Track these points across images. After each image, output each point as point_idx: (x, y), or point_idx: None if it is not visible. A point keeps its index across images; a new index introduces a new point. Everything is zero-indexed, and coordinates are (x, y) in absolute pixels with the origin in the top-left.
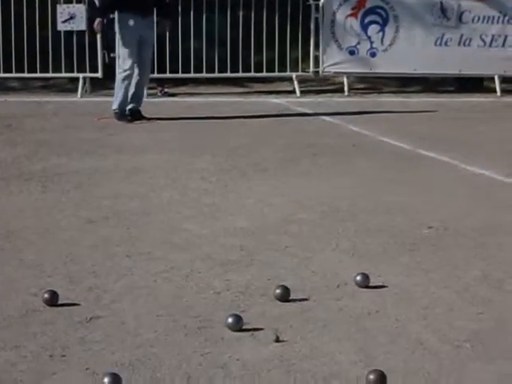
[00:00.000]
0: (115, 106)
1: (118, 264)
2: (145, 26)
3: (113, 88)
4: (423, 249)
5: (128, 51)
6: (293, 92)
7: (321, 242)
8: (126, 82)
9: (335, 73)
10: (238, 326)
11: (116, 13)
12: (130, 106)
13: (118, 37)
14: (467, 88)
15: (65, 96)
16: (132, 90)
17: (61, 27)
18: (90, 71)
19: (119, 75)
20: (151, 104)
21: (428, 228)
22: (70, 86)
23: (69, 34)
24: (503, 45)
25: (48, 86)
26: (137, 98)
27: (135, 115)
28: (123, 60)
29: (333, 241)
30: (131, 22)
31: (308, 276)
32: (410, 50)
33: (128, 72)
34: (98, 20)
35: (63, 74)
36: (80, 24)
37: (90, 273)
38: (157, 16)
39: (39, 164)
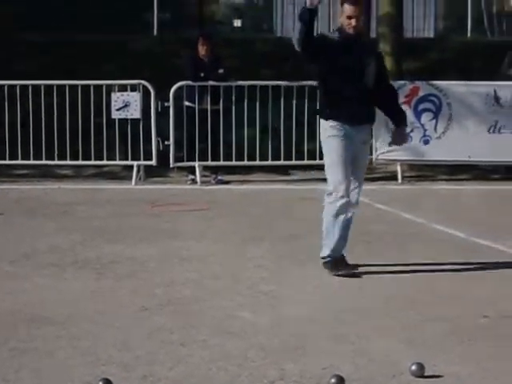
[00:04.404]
0: (327, 253)
1: (173, 352)
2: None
3: (167, 176)
4: (479, 338)
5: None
6: None
7: (378, 331)
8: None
9: (388, 160)
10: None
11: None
12: (337, 254)
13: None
14: None
15: (119, 183)
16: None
17: (115, 115)
18: (144, 159)
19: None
20: (205, 192)
21: (484, 317)
22: (123, 174)
23: (123, 121)
24: None
25: (101, 174)
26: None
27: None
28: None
29: (390, 330)
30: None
31: (364, 365)
32: (463, 137)
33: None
34: None
35: (117, 162)
36: (134, 112)
37: (145, 361)
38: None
39: (94, 251)
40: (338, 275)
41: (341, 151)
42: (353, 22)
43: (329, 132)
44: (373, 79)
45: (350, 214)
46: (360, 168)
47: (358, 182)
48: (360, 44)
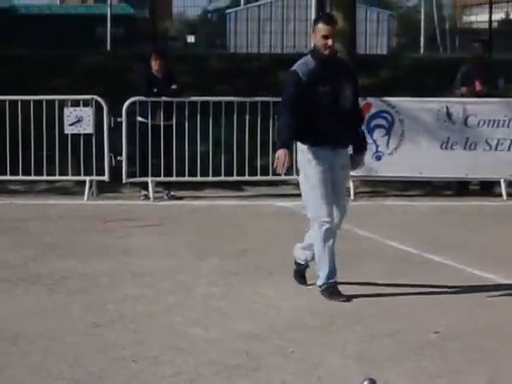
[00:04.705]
0: (322, 281)
1: (125, 368)
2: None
3: (120, 191)
4: (429, 354)
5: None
6: (299, 196)
7: (327, 347)
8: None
9: None
10: None
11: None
12: (331, 280)
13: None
14: (470, 192)
15: (71, 199)
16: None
17: (68, 130)
18: (97, 174)
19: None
20: (158, 207)
21: (434, 333)
22: (76, 189)
23: (76, 136)
24: (509, 149)
25: (53, 189)
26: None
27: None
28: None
29: (339, 346)
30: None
31: (314, 382)
32: (415, 153)
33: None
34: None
35: (70, 177)
36: (87, 127)
37: (96, 377)
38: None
39: (46, 266)
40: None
41: (319, 176)
42: (329, 42)
43: (306, 156)
44: (350, 101)
45: (335, 241)
46: (339, 194)
47: (339, 207)
48: (336, 65)
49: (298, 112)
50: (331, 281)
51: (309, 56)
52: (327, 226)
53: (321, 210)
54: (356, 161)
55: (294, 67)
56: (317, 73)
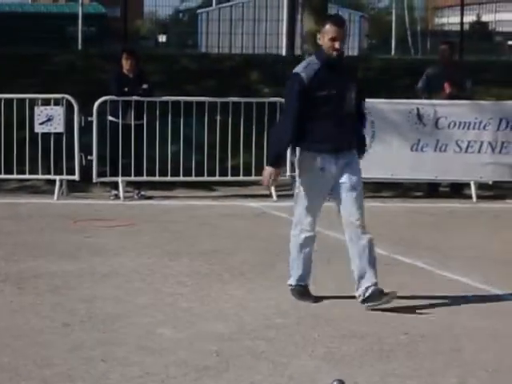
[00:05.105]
0: (293, 282)
1: (94, 368)
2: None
3: (90, 191)
4: (399, 356)
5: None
6: (269, 196)
7: (297, 348)
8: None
9: None
10: None
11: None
12: (302, 283)
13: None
14: (441, 194)
15: (41, 198)
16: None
17: (38, 129)
18: (67, 173)
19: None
20: (128, 207)
21: (404, 334)
22: (46, 188)
23: (46, 135)
24: (479, 151)
25: (23, 188)
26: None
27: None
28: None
29: (309, 346)
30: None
31: (284, 382)
32: (386, 155)
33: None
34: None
35: (40, 176)
36: (57, 126)
37: (66, 377)
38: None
39: (15, 266)
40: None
41: (313, 185)
42: (336, 44)
43: (303, 162)
44: (355, 104)
45: (313, 247)
46: (352, 195)
47: (356, 204)
48: (342, 68)
49: (300, 116)
50: (302, 283)
51: (313, 57)
52: (308, 234)
53: (304, 219)
54: None
55: (297, 69)
56: (321, 75)
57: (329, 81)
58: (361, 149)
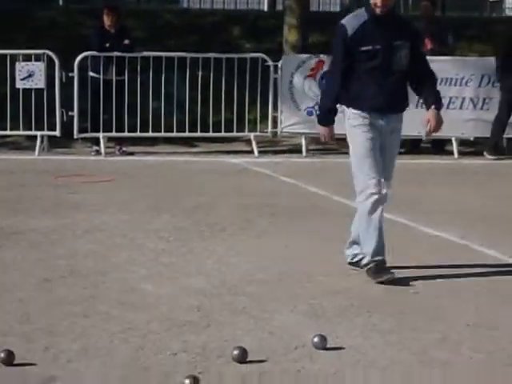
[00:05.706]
0: (368, 259)
1: (75, 323)
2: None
3: (71, 147)
4: (381, 311)
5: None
6: (251, 152)
7: (278, 303)
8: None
9: (293, 133)
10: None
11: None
12: (378, 257)
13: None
14: (422, 150)
15: (22, 154)
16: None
17: (19, 85)
18: (48, 129)
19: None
20: (109, 163)
21: (385, 291)
22: (27, 144)
23: (27, 91)
24: (461, 107)
25: (4, 144)
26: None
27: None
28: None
29: (291, 302)
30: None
31: (266, 337)
32: None
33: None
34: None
35: (21, 132)
36: (38, 82)
37: (47, 332)
38: None
39: None
40: (381, 282)
41: (367, 143)
42: (378, 2)
43: (353, 121)
44: (406, 62)
45: (383, 216)
46: (388, 160)
47: (386, 175)
48: (391, 24)
49: (345, 69)
50: (377, 258)
51: (363, 9)
52: (375, 197)
53: (369, 181)
54: (436, 118)
55: (343, 20)
56: (367, 28)
57: (374, 35)
58: (438, 102)
